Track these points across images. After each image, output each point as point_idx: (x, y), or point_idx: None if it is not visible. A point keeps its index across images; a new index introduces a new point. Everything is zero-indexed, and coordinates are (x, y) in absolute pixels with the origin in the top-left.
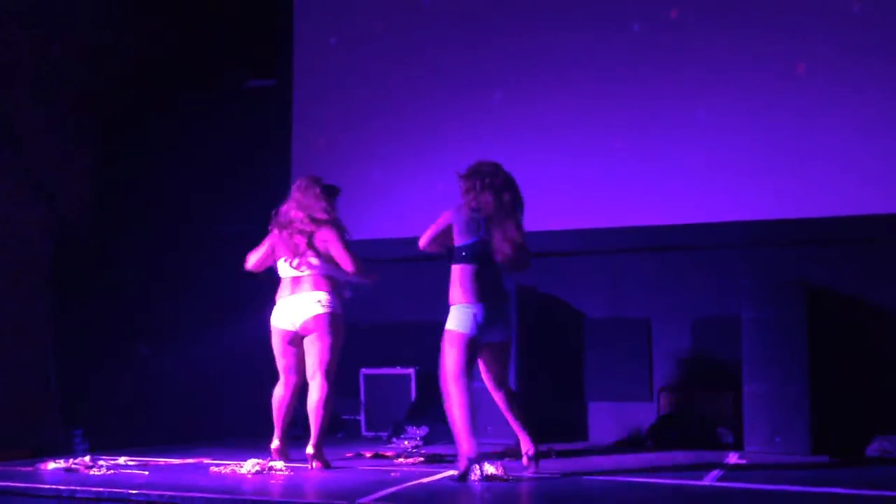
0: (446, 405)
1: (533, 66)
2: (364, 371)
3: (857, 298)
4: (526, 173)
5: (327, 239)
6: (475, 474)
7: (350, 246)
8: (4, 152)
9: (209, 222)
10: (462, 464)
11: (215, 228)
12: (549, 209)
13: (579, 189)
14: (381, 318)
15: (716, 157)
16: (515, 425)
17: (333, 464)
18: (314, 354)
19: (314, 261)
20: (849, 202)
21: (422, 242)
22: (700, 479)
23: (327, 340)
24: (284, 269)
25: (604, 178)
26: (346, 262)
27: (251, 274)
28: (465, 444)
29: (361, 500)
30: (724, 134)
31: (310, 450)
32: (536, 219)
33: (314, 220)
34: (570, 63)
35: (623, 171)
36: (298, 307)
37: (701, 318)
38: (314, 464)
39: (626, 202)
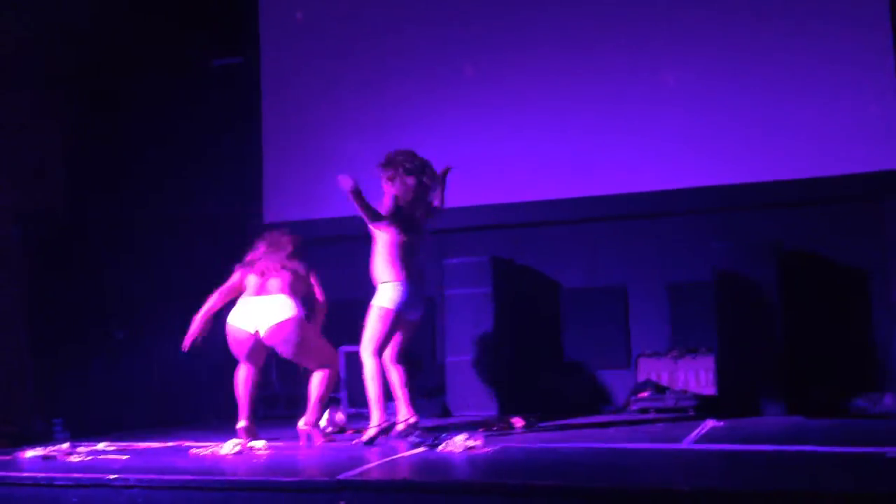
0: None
1: (503, 37)
2: (344, 349)
3: (829, 258)
4: (498, 145)
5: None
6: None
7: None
8: None
9: (182, 203)
10: (374, 431)
11: (188, 209)
12: (522, 180)
13: (552, 160)
14: (360, 295)
15: (686, 123)
16: (405, 397)
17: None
18: (303, 359)
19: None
20: (816, 164)
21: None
22: (679, 441)
23: (307, 343)
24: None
25: (576, 147)
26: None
27: (226, 256)
28: (380, 413)
29: (343, 475)
30: (694, 100)
31: (304, 426)
32: (510, 190)
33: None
34: (539, 34)
35: (595, 141)
36: (265, 310)
37: (676, 284)
38: (310, 438)
39: (599, 171)
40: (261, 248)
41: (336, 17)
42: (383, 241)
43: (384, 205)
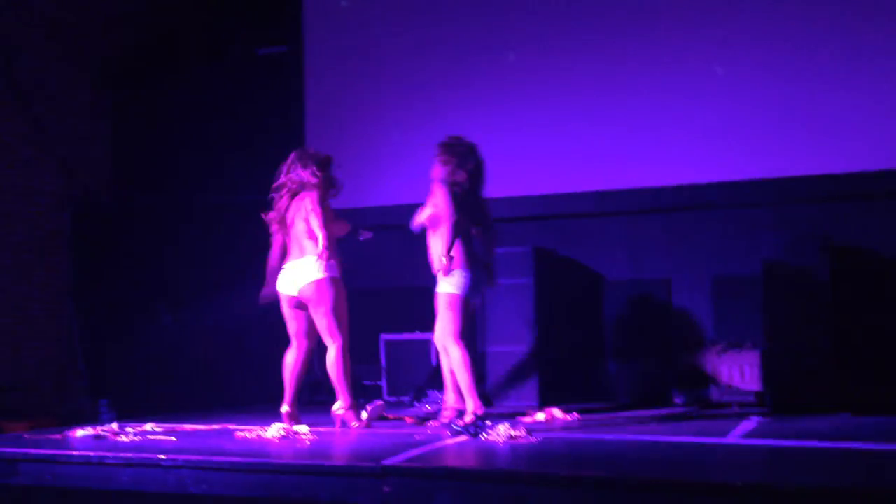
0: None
1: (547, 26)
2: (384, 336)
3: (880, 253)
4: (543, 135)
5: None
6: (496, 432)
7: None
8: (22, 125)
9: (226, 191)
10: (471, 419)
11: (232, 197)
12: (567, 171)
13: (597, 150)
14: (400, 283)
15: (735, 114)
16: (455, 385)
17: (357, 428)
18: (318, 321)
19: (302, 225)
20: (869, 158)
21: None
22: (724, 436)
23: (326, 305)
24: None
25: (623, 139)
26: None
27: (267, 242)
28: (474, 401)
29: (387, 461)
30: (744, 91)
31: (338, 410)
32: (554, 181)
33: (302, 185)
34: (585, 23)
35: (642, 132)
36: (297, 272)
37: (721, 277)
38: (345, 423)
39: (645, 163)
40: (282, 172)
41: (380, 5)
42: (445, 229)
43: (443, 192)
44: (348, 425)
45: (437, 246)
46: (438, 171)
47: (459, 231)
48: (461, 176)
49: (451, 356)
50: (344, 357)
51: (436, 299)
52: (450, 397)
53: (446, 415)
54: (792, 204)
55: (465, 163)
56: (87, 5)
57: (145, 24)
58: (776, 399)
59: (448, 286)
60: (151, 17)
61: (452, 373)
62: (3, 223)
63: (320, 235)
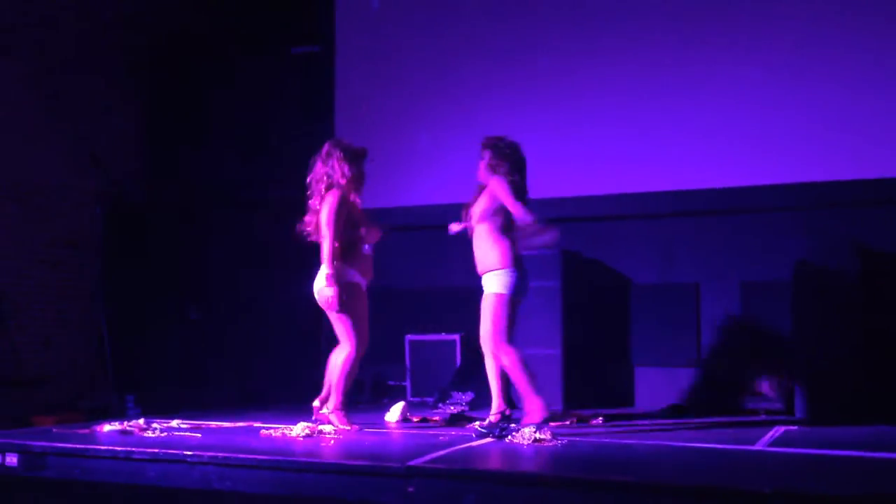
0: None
1: (579, 29)
2: (409, 337)
3: None
4: (572, 137)
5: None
6: (521, 435)
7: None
8: (58, 120)
9: (256, 188)
10: (538, 418)
11: (262, 194)
12: (595, 173)
13: (626, 153)
14: (425, 284)
15: (766, 118)
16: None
17: (382, 429)
18: (333, 324)
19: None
20: None
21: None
22: (752, 444)
23: (334, 311)
24: None
25: (651, 141)
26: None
27: (299, 240)
28: (537, 400)
29: (413, 462)
30: (777, 95)
31: (325, 410)
32: (583, 183)
33: (331, 183)
34: (616, 27)
35: (671, 135)
36: (316, 281)
37: (750, 283)
38: (332, 423)
39: (674, 166)
40: (315, 165)
41: (412, 6)
42: (494, 228)
43: (503, 183)
44: (335, 425)
45: (485, 243)
46: (491, 170)
47: (512, 226)
48: (513, 175)
49: (505, 359)
50: (351, 364)
51: (483, 300)
52: (495, 402)
53: (492, 419)
54: (823, 209)
55: (515, 163)
56: (122, 2)
57: (179, 23)
58: (805, 406)
59: (495, 286)
60: (185, 15)
61: (497, 377)
62: (37, 218)
63: (325, 242)
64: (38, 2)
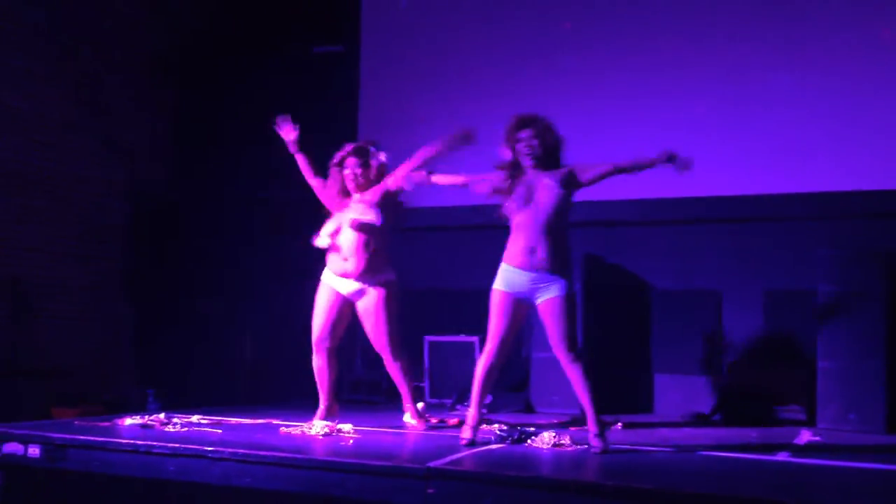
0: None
1: (606, 30)
2: (428, 338)
3: None
4: (595, 140)
5: None
6: (541, 439)
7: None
8: (84, 115)
9: (278, 186)
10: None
11: (285, 192)
12: (619, 178)
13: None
14: (444, 285)
15: (794, 125)
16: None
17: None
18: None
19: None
20: None
21: None
22: (773, 454)
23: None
24: None
25: (676, 146)
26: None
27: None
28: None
29: (433, 464)
30: (804, 102)
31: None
32: (605, 187)
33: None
34: (645, 28)
35: (697, 140)
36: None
37: (774, 291)
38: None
39: (700, 172)
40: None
41: (437, 8)
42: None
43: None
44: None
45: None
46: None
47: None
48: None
49: (583, 367)
50: (315, 360)
51: (550, 306)
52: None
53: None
54: (849, 219)
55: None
56: (146, 1)
57: (205, 20)
58: (829, 416)
59: (561, 288)
60: (211, 13)
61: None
62: (64, 210)
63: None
64: (68, 3)
